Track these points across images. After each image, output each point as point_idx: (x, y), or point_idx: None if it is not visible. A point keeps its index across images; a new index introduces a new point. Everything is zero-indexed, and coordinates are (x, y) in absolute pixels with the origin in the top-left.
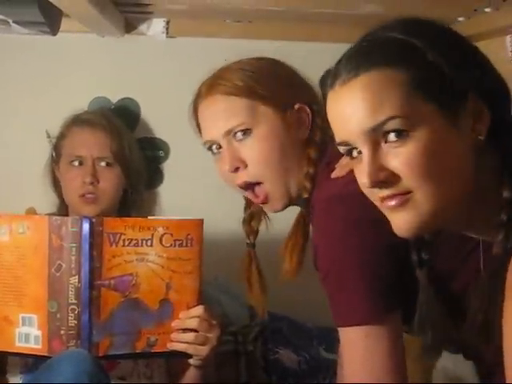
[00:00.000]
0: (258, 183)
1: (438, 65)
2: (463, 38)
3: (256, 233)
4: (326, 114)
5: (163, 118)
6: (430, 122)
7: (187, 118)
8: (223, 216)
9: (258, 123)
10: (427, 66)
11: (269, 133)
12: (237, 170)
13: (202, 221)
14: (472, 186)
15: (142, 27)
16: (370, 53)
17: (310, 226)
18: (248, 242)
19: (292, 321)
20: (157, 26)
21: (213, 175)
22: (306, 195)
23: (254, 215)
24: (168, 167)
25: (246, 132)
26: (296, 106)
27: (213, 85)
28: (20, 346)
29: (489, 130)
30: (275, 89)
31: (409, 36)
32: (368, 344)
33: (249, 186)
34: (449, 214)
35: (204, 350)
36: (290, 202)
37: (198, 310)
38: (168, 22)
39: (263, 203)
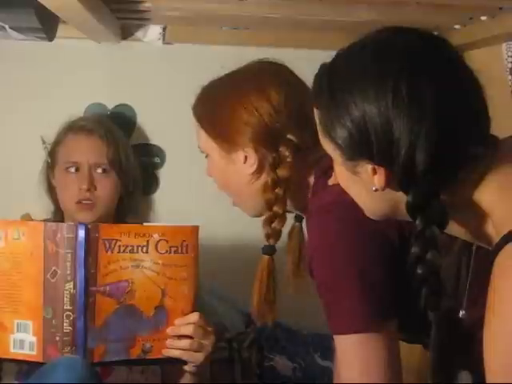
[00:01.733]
0: None
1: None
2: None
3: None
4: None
5: (159, 124)
6: (336, 164)
7: (183, 125)
8: (219, 223)
9: (210, 153)
10: (330, 122)
11: (215, 163)
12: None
13: (197, 227)
14: (391, 212)
15: (139, 33)
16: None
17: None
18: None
19: (287, 328)
20: (153, 32)
21: (208, 182)
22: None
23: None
24: (164, 174)
25: (206, 155)
26: (240, 151)
27: (195, 107)
28: (15, 352)
29: (398, 177)
30: (222, 132)
31: (329, 83)
32: (364, 352)
33: None
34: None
35: (199, 357)
36: (261, 215)
37: (193, 316)
38: (164, 29)
39: None
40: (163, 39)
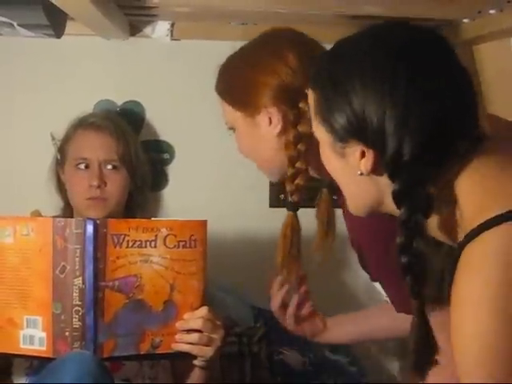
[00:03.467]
0: None
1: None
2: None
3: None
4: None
5: (168, 120)
6: (323, 147)
7: (192, 121)
8: (227, 218)
9: (236, 125)
10: (324, 101)
11: (242, 134)
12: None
13: (205, 222)
14: (375, 203)
15: (147, 30)
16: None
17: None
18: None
19: None
20: (161, 28)
21: (217, 178)
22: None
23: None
24: (173, 170)
25: (232, 129)
26: (263, 109)
27: (216, 83)
28: (25, 347)
29: (386, 163)
30: (243, 98)
31: (328, 69)
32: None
33: None
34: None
35: (209, 351)
36: (283, 179)
37: (203, 310)
38: (173, 25)
39: None
40: (171, 35)
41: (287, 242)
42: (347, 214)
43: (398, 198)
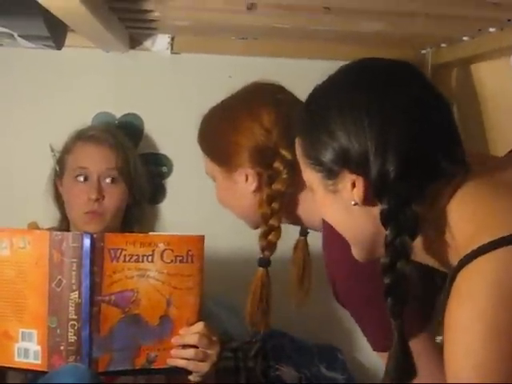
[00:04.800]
0: None
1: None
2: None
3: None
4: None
5: (167, 133)
6: (316, 190)
7: (191, 134)
8: (225, 233)
9: (215, 177)
10: (310, 144)
11: (220, 186)
12: None
13: (203, 237)
14: (374, 239)
15: (147, 43)
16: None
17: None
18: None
19: (293, 338)
20: (161, 41)
21: (215, 192)
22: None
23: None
24: (171, 183)
25: (213, 179)
26: (239, 170)
27: (198, 133)
28: (19, 361)
29: (374, 186)
30: (221, 155)
31: (307, 113)
32: None
33: None
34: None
35: (204, 367)
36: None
37: (198, 326)
38: (173, 38)
39: None
40: (171, 49)
41: (256, 298)
42: (326, 248)
43: (384, 218)
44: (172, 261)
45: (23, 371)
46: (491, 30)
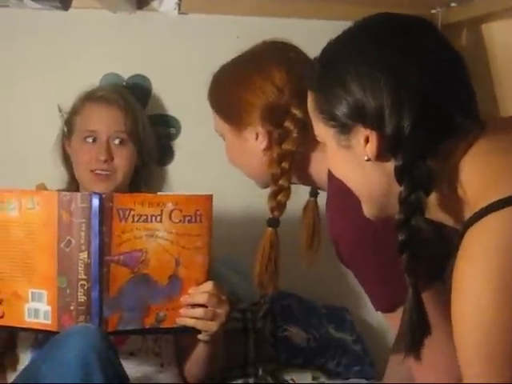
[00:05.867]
0: None
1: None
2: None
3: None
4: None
5: (174, 95)
6: (329, 146)
7: (198, 95)
8: (233, 194)
9: (224, 135)
10: (324, 98)
11: (229, 144)
12: None
13: (211, 196)
14: (386, 195)
15: (154, 3)
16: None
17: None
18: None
19: (301, 299)
20: (169, 2)
21: (223, 153)
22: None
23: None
24: (179, 144)
25: (223, 137)
26: (250, 128)
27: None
28: (29, 321)
29: (388, 141)
30: (232, 113)
31: (322, 66)
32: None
33: None
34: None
35: (213, 326)
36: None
37: (208, 285)
38: None
39: None
40: (179, 9)
41: (265, 258)
42: (329, 210)
43: (399, 174)
44: (180, 220)
45: (33, 331)
46: None
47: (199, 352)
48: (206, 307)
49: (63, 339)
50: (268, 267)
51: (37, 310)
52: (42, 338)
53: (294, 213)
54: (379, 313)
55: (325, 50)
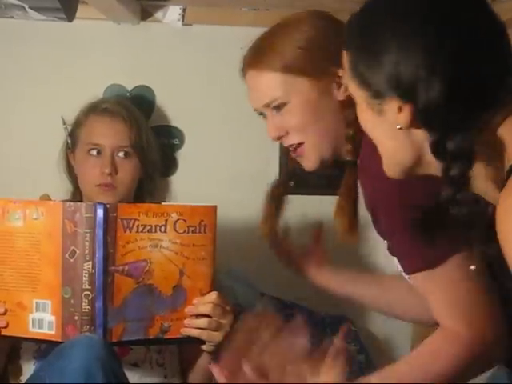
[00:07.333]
0: (300, 143)
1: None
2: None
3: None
4: None
5: (178, 106)
6: (361, 107)
7: (202, 106)
8: (236, 205)
9: (294, 96)
10: (359, 60)
11: (303, 103)
12: (280, 138)
13: (215, 207)
14: (413, 161)
15: (158, 14)
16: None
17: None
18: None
19: (305, 308)
20: (173, 13)
21: (226, 164)
22: (349, 157)
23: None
24: (182, 155)
25: (281, 106)
26: (330, 72)
27: (256, 58)
28: (33, 331)
29: (422, 114)
30: (311, 60)
31: (360, 28)
32: (437, 285)
33: (292, 146)
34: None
35: (217, 336)
36: (325, 164)
37: (212, 295)
38: (184, 10)
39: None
40: (183, 20)
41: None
42: (361, 171)
43: (435, 148)
44: (185, 231)
45: (37, 341)
46: None
47: (203, 362)
48: (211, 317)
49: (67, 350)
50: (348, 209)
51: (41, 320)
52: (45, 348)
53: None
54: (383, 323)
55: (363, 12)
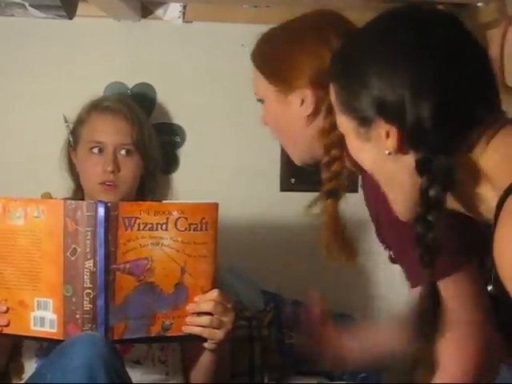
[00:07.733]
0: None
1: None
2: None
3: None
4: None
5: (179, 103)
6: (349, 137)
7: (203, 103)
8: (238, 202)
9: (266, 97)
10: (345, 91)
11: (271, 107)
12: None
13: (216, 204)
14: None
15: (159, 12)
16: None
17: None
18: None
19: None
20: (173, 10)
21: (228, 161)
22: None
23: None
24: (184, 153)
25: (261, 101)
26: (297, 92)
27: (256, 58)
28: (35, 329)
29: (409, 136)
30: (280, 73)
31: (343, 59)
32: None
33: None
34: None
35: (219, 334)
36: (308, 164)
37: (213, 293)
38: (185, 7)
39: None
40: (183, 17)
41: (329, 231)
42: (365, 186)
43: (419, 167)
44: (186, 229)
45: (39, 340)
46: None
47: (205, 360)
48: (212, 315)
49: (69, 348)
50: (335, 239)
51: (42, 318)
52: (46, 346)
53: (299, 219)
54: None
55: (345, 43)
